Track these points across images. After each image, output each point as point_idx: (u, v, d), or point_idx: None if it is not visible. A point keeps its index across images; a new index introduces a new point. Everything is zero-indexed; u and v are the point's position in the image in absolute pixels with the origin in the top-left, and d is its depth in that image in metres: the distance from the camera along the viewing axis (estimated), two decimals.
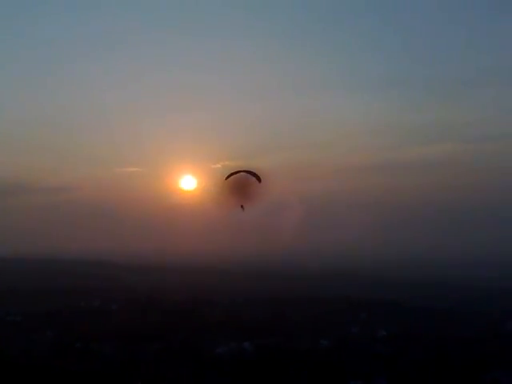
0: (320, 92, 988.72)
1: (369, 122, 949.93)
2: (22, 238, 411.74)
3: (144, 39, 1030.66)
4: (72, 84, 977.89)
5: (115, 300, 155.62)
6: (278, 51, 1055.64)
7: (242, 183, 43.91)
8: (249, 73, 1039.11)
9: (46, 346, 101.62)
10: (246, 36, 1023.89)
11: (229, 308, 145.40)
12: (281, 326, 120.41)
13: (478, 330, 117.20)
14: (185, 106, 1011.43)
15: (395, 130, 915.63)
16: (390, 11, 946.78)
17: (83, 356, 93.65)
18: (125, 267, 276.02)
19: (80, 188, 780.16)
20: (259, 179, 43.42)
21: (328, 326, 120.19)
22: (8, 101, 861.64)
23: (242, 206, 43.66)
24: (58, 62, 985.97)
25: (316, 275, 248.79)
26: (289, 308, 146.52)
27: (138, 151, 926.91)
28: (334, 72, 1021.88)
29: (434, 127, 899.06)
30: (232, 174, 43.70)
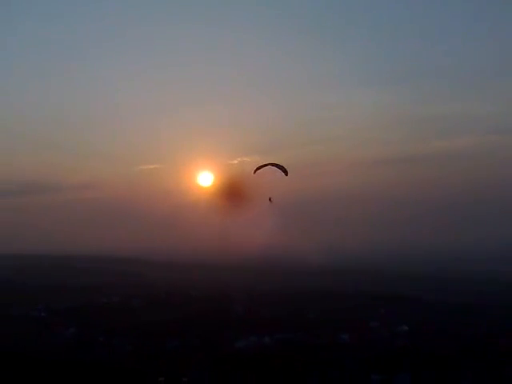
0: (335, 87, 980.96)
1: (385, 116, 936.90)
2: (45, 236, 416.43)
3: (159, 33, 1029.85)
4: (91, 83, 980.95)
5: (136, 296, 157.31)
6: (291, 47, 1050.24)
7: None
8: (263, 68, 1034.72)
9: (70, 341, 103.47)
10: (263, 31, 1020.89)
11: (248, 303, 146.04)
12: (300, 320, 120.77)
13: (499, 324, 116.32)
14: (201, 101, 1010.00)
15: (412, 123, 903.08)
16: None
17: (106, 351, 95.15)
18: (145, 264, 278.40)
19: (102, 186, 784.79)
20: (286, 172, 44.22)
21: (347, 321, 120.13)
22: (27, 101, 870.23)
23: (270, 199, 44.32)
24: (74, 61, 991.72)
25: (333, 270, 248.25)
26: (308, 303, 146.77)
27: (157, 148, 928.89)
28: (348, 66, 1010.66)
29: (454, 119, 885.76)
30: (260, 167, 44.44)
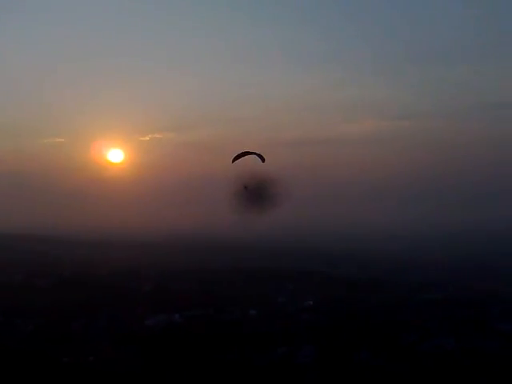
0: (252, 66, 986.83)
1: (296, 99, 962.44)
2: None
3: (74, 4, 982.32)
4: None
5: (40, 275, 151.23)
6: (209, 23, 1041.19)
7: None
8: (179, 45, 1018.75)
9: None
10: (177, 8, 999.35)
11: (157, 281, 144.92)
12: (210, 297, 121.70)
13: (398, 299, 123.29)
14: (112, 77, 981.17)
15: (321, 107, 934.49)
16: None
17: (6, 332, 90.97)
18: (50, 241, 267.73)
19: (3, 159, 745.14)
20: (263, 159, 44.21)
21: (256, 297, 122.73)
22: None
23: (245, 187, 43.46)
24: None
25: (244, 247, 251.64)
26: (218, 280, 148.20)
27: (63, 121, 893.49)
28: (267, 47, 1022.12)
29: (362, 104, 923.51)
30: (239, 157, 44.14)
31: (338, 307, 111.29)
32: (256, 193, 43.80)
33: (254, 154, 44.47)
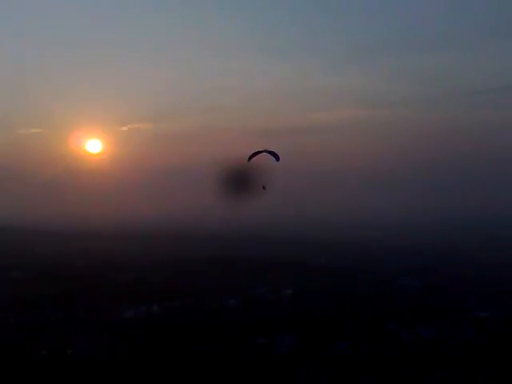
0: (229, 56, 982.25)
1: (273, 88, 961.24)
2: None
3: None
4: None
5: (16, 267, 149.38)
6: (187, 13, 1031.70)
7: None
8: (158, 35, 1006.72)
9: None
10: None
11: (137, 272, 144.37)
12: (189, 287, 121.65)
13: (377, 287, 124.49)
14: (91, 66, 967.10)
15: (298, 96, 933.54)
16: None
17: None
18: (28, 232, 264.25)
19: None
20: (278, 158, 44.09)
21: (236, 287, 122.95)
22: None
23: (263, 187, 43.52)
24: None
25: (223, 237, 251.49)
26: (197, 270, 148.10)
27: (41, 112, 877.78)
28: (244, 36, 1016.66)
29: (333, 93, 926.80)
30: (254, 155, 44.02)
31: (317, 296, 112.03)
32: (239, 180, 43.89)
33: (269, 152, 44.44)
